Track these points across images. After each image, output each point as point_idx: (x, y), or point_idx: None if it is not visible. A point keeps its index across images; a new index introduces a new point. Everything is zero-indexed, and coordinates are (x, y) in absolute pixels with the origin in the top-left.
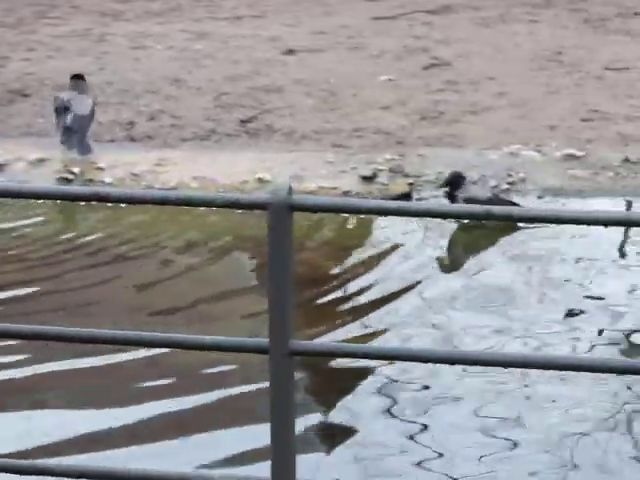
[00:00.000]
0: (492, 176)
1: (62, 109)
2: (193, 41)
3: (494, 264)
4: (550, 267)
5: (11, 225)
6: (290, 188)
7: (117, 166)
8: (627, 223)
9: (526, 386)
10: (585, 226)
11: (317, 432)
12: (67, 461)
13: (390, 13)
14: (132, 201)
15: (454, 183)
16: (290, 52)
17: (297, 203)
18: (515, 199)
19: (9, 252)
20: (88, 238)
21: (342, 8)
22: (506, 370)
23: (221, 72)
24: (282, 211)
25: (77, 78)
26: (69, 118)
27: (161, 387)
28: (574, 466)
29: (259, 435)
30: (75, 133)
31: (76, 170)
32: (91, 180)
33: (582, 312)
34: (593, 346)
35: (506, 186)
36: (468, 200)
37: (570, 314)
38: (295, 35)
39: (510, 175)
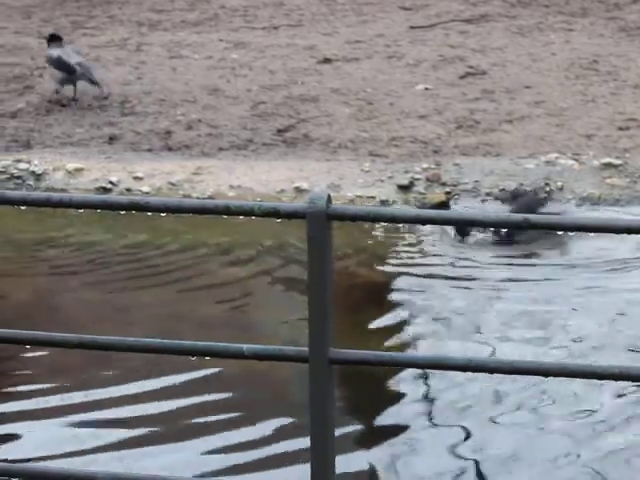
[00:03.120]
0: (530, 185)
1: (59, 63)
2: (230, 50)
3: (537, 272)
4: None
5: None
6: (329, 197)
7: (155, 175)
8: None
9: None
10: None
11: (357, 439)
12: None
13: (426, 22)
14: (170, 210)
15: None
16: (326, 61)
17: (336, 212)
18: (554, 208)
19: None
20: (124, 246)
21: (378, 17)
22: None
23: (258, 81)
24: (321, 220)
25: (57, 39)
26: (76, 63)
27: (202, 395)
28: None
29: (299, 444)
30: (83, 75)
31: (114, 179)
32: (129, 189)
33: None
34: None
35: (544, 195)
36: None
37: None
38: (331, 44)
39: (548, 184)
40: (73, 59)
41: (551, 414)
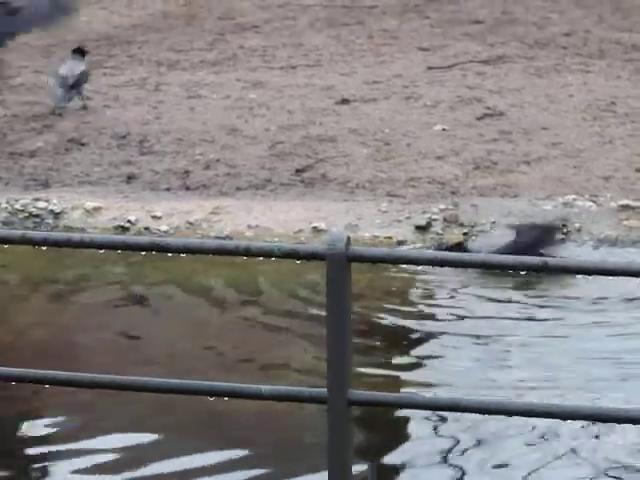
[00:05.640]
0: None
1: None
2: (248, 90)
3: (563, 312)
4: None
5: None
6: (348, 239)
7: (173, 215)
8: None
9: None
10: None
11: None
12: None
13: (444, 63)
14: (190, 251)
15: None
16: (344, 102)
17: (355, 254)
18: (571, 250)
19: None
20: (139, 284)
21: (396, 58)
22: None
23: (276, 121)
24: (340, 262)
25: (77, 52)
26: (67, 78)
27: (218, 436)
28: None
29: None
30: (71, 89)
31: (133, 218)
32: (147, 228)
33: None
34: None
35: (561, 236)
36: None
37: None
38: (349, 85)
39: (565, 225)
40: (70, 72)
41: (569, 459)
